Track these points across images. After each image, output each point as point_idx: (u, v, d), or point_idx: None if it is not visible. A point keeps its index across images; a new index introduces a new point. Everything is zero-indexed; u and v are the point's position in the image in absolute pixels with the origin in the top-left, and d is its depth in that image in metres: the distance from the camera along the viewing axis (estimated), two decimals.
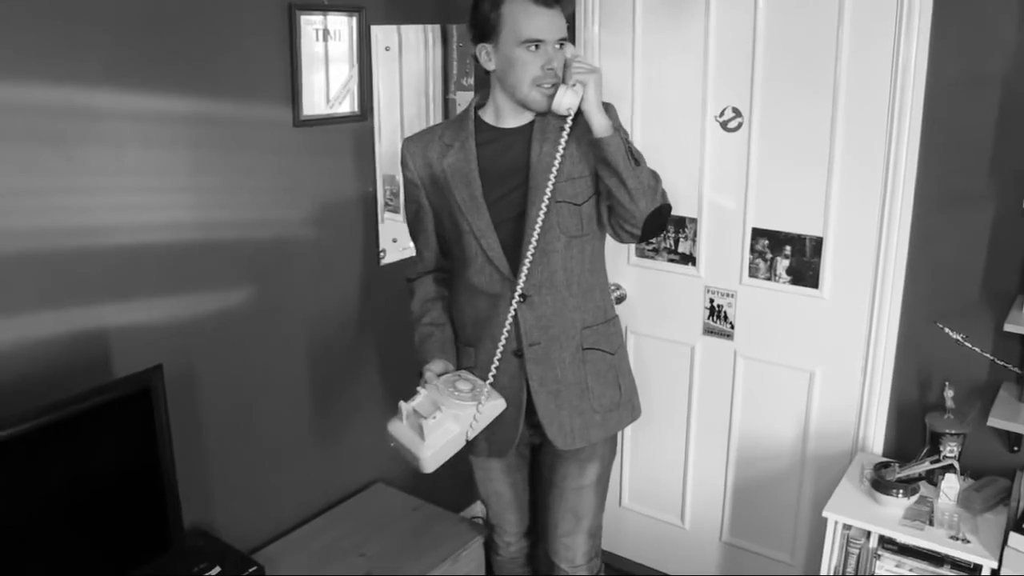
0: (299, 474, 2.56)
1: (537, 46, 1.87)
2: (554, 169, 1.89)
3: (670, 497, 3.02)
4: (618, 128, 1.89)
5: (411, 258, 2.26)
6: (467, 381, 1.96)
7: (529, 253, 1.92)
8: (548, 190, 1.89)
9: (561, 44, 1.90)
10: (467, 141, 2.00)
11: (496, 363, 1.95)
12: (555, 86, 1.88)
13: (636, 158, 1.87)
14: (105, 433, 1.80)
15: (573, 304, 2.02)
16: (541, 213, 1.90)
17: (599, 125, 1.85)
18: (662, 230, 2.03)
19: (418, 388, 1.95)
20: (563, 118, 1.89)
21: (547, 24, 1.86)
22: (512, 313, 1.95)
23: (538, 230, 1.91)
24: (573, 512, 2.16)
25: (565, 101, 1.86)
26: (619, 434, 2.27)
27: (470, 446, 2.03)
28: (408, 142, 2.09)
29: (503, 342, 1.96)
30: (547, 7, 1.87)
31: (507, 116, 1.99)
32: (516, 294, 1.94)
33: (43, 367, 1.89)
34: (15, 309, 1.84)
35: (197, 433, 2.25)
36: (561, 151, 1.89)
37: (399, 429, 1.93)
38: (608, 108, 1.91)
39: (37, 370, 1.88)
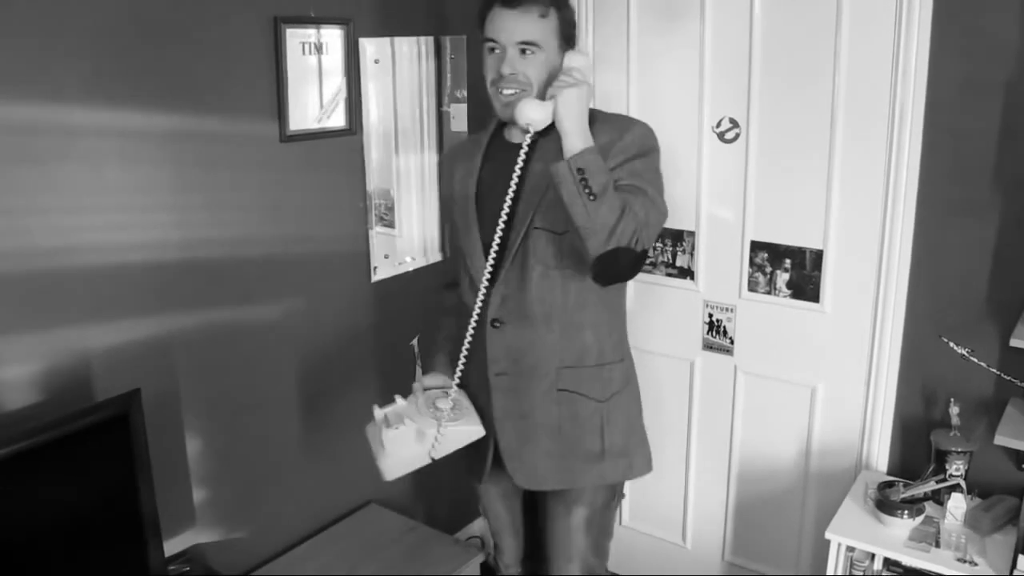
0: (290, 495, 2.51)
1: (493, 48, 1.77)
2: (510, 192, 1.75)
3: (671, 515, 2.96)
4: (616, 154, 1.72)
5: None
6: (452, 401, 1.89)
7: (485, 277, 1.81)
8: (501, 214, 1.76)
9: (527, 49, 1.75)
10: (475, 156, 1.91)
11: (453, 387, 1.88)
12: (518, 94, 1.76)
13: (595, 191, 1.61)
14: (81, 460, 1.76)
15: (551, 340, 1.85)
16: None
17: (567, 147, 1.66)
18: (622, 277, 1.79)
19: (396, 396, 1.92)
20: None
21: (504, 25, 1.74)
22: (469, 337, 1.85)
23: (493, 254, 1.79)
24: (564, 552, 2.03)
25: (525, 113, 1.71)
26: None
27: (466, 464, 1.99)
28: (445, 156, 2.02)
29: (461, 365, 1.87)
30: (509, 7, 1.74)
31: (513, 129, 1.87)
32: (475, 317, 1.84)
33: (22, 391, 1.85)
34: None
35: (183, 455, 2.20)
36: (518, 171, 1.75)
37: (371, 432, 1.91)
38: (632, 125, 1.77)
39: (16, 395, 1.84)
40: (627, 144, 1.75)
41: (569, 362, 1.88)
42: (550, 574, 2.08)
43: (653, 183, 1.76)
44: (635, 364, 2.87)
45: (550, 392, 1.88)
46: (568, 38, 1.82)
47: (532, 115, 1.71)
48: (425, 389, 1.96)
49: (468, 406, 1.90)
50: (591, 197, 1.61)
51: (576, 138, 1.66)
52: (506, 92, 1.77)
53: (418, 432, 1.83)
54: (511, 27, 1.75)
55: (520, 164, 1.74)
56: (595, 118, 1.78)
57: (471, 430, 1.88)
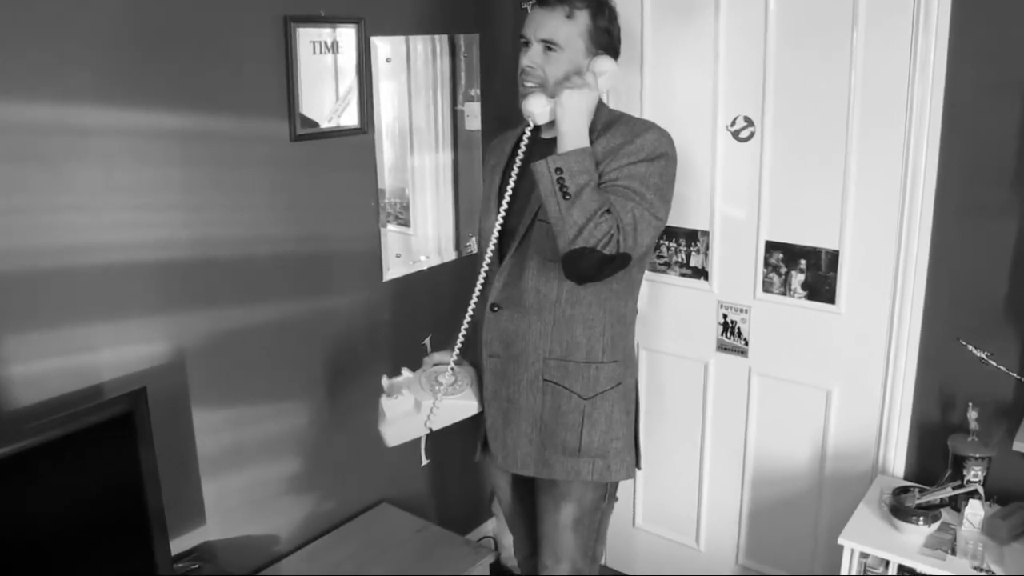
0: (301, 494, 2.52)
1: (525, 43, 1.85)
2: (510, 182, 1.83)
3: (685, 518, 2.93)
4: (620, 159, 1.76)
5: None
6: (454, 376, 1.97)
7: (485, 264, 1.92)
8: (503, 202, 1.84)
9: (550, 47, 1.83)
10: (506, 148, 2.00)
11: (451, 363, 1.97)
12: (533, 88, 1.84)
13: (570, 192, 1.67)
14: (86, 459, 1.77)
15: (539, 330, 1.90)
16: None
17: (558, 146, 1.73)
18: (589, 278, 1.75)
19: (403, 368, 2.03)
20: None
21: (532, 21, 1.85)
22: (467, 318, 1.94)
23: (493, 242, 1.88)
24: (552, 549, 2.04)
25: (527, 106, 1.81)
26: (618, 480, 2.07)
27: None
28: (487, 146, 2.12)
29: (459, 344, 1.96)
30: (540, 5, 1.85)
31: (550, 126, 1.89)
32: (475, 299, 1.92)
33: (32, 390, 1.86)
34: (1, 330, 1.81)
35: (194, 454, 2.21)
36: (518, 162, 1.84)
37: (381, 401, 2.00)
38: (647, 130, 1.80)
39: (25, 393, 1.85)
40: (637, 147, 1.79)
41: (557, 354, 1.91)
42: (539, 574, 2.08)
43: (654, 188, 1.77)
44: (649, 365, 2.88)
45: (535, 381, 1.93)
46: (601, 44, 1.86)
47: (532, 108, 1.80)
48: (434, 364, 2.04)
49: (471, 383, 1.99)
50: (565, 196, 1.67)
51: (569, 139, 1.73)
52: (525, 84, 1.86)
53: (416, 403, 1.93)
54: (537, 24, 1.84)
55: (520, 155, 1.82)
56: (618, 120, 1.87)
57: (466, 405, 1.97)
